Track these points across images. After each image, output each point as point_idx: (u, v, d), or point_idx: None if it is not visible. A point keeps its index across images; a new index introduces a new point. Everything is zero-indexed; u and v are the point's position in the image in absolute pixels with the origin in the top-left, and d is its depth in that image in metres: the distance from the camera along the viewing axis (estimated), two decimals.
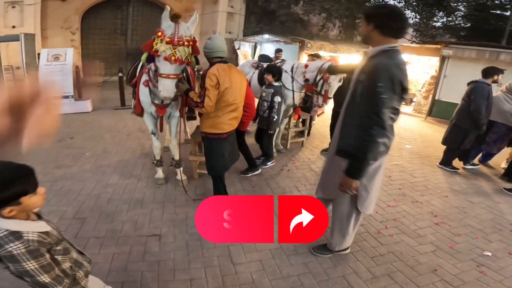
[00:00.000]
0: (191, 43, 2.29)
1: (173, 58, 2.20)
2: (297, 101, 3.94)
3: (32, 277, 1.03)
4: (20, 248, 0.99)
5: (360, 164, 1.69)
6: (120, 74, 6.56)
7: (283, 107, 3.92)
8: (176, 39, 2.19)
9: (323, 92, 3.55)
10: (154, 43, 2.24)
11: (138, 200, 2.87)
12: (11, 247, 0.99)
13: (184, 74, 2.68)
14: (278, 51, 5.59)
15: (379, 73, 1.56)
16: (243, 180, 3.46)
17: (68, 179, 3.16)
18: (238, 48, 11.07)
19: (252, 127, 4.63)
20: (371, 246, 2.49)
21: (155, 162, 3.13)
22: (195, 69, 3.05)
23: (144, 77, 2.64)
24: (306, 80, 3.68)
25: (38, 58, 6.29)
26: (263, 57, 4.47)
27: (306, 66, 3.72)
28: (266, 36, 10.45)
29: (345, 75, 3.45)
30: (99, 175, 3.31)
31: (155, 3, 10.83)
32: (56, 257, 1.11)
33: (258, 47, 11.61)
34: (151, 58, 2.44)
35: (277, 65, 3.96)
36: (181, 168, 3.14)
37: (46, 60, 6.10)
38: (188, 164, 3.46)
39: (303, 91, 3.88)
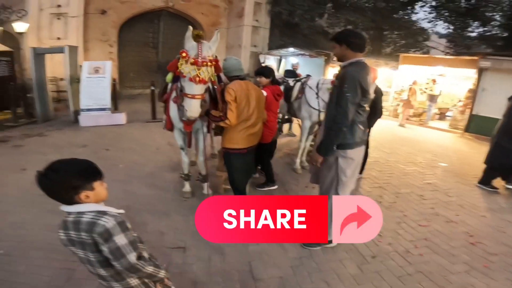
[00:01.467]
0: (213, 63, 2.38)
1: (197, 79, 2.29)
2: (322, 118, 3.88)
3: (123, 257, 1.08)
4: (111, 220, 1.08)
5: (327, 144, 2.19)
6: (152, 88, 6.82)
7: (307, 124, 3.90)
8: (200, 60, 2.28)
9: None
10: (179, 63, 2.34)
11: (165, 212, 2.96)
12: (104, 221, 1.07)
13: (212, 90, 2.77)
14: (295, 64, 5.62)
15: (345, 78, 2.07)
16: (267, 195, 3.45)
17: None
18: (263, 62, 11.26)
19: None
20: (398, 265, 2.39)
21: (183, 176, 3.23)
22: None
23: (174, 94, 2.76)
24: None
25: (80, 70, 6.66)
26: (289, 73, 4.51)
27: (332, 82, 3.66)
28: (291, 49, 10.53)
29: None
30: (129, 186, 3.46)
31: (184, 17, 11.40)
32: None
33: (283, 61, 11.72)
34: (176, 78, 2.57)
35: (302, 80, 3.98)
36: (208, 183, 3.21)
37: (88, 73, 6.47)
38: (215, 179, 3.52)
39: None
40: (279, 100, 3.31)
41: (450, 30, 12.99)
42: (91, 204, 1.13)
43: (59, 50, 6.78)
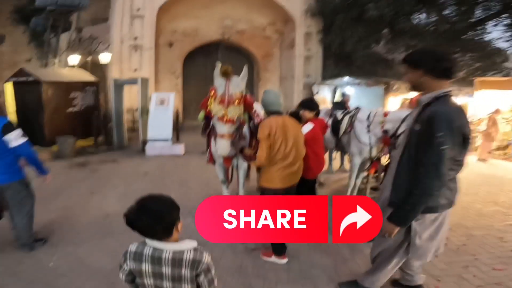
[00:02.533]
0: (242, 100, 2.34)
1: (225, 119, 2.29)
2: (374, 154, 3.59)
3: (213, 283, 1.26)
4: (208, 257, 1.25)
5: (406, 213, 1.65)
6: None
7: (357, 160, 3.63)
8: (226, 99, 2.25)
9: None
10: (208, 102, 2.37)
11: (202, 242, 2.96)
12: (206, 258, 1.23)
13: (246, 129, 2.76)
14: (344, 95, 5.32)
15: (437, 121, 1.48)
16: None
17: None
18: (317, 93, 11.08)
19: None
20: None
21: None
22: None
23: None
24: (385, 132, 3.30)
25: (150, 101, 7.21)
26: (338, 105, 4.31)
27: (385, 114, 3.36)
28: (346, 78, 10.16)
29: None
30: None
31: (240, 49, 12.11)
32: None
33: (338, 91, 11.37)
34: (208, 117, 2.61)
35: (351, 113, 3.78)
36: None
37: (155, 104, 7.03)
38: None
39: (379, 143, 3.50)
40: (324, 134, 3.18)
41: None
42: (187, 240, 1.24)
43: (134, 81, 7.53)
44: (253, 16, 11.82)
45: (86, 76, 7.59)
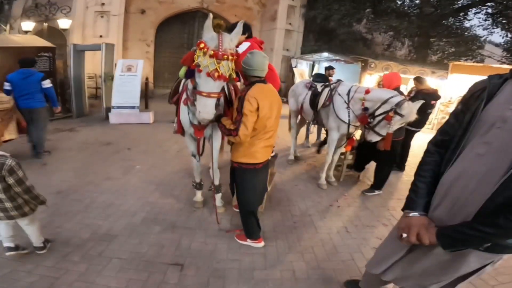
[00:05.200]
0: (235, 57, 2.05)
1: (216, 74, 1.96)
2: (352, 130, 3.43)
3: (23, 184, 1.88)
4: (13, 161, 1.82)
5: (470, 241, 1.05)
6: None
7: (335, 135, 3.48)
8: (220, 52, 1.95)
9: (379, 131, 2.99)
10: (195, 56, 2.02)
11: (171, 223, 2.75)
12: (9, 161, 1.81)
13: (226, 91, 2.46)
14: (329, 68, 5.12)
15: None
16: (285, 213, 3.11)
17: (113, 192, 3.24)
18: (295, 66, 10.89)
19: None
20: None
21: (195, 184, 3.00)
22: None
23: (185, 95, 2.49)
24: (365, 109, 3.11)
25: (115, 67, 6.76)
26: (319, 77, 3.99)
27: (367, 92, 3.12)
28: (325, 54, 10.04)
29: (413, 119, 2.88)
30: (141, 191, 3.32)
31: (218, 19, 11.42)
32: None
33: (316, 66, 11.27)
34: (190, 73, 2.25)
35: (331, 86, 3.57)
36: (220, 194, 2.95)
37: (121, 70, 6.56)
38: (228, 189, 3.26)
39: (356, 122, 3.31)
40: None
41: (508, 39, 11.62)
42: None
43: (97, 47, 6.94)
44: None
45: (39, 42, 6.77)
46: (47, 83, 4.08)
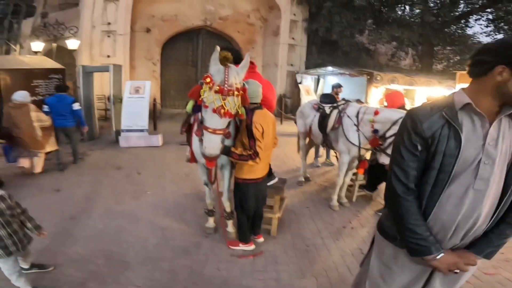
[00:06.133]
0: (241, 92, 2.06)
1: (222, 111, 1.97)
2: (363, 153, 3.41)
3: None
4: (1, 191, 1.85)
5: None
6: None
7: (346, 158, 3.46)
8: (226, 88, 1.95)
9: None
10: (201, 90, 2.04)
11: (183, 249, 2.76)
12: None
13: (232, 125, 2.46)
14: (337, 86, 4.99)
15: None
16: (296, 236, 3.08)
17: (124, 218, 3.27)
18: (300, 82, 10.93)
19: None
20: None
21: (207, 211, 3.01)
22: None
23: (196, 126, 2.52)
24: (375, 131, 3.09)
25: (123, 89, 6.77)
26: (326, 97, 3.98)
27: (376, 113, 3.12)
28: (330, 68, 10.08)
29: None
30: (153, 216, 3.34)
31: (222, 35, 11.61)
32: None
33: (321, 80, 11.29)
34: (197, 108, 2.27)
35: (340, 107, 3.58)
36: (232, 220, 2.95)
37: (129, 92, 6.58)
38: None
39: (366, 144, 3.28)
40: None
41: None
42: None
43: (105, 68, 7.02)
44: (236, 2, 11.38)
45: (49, 63, 6.97)
46: (76, 106, 4.84)
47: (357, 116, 3.28)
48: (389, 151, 2.95)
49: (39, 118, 4.14)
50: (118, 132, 6.63)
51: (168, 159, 5.60)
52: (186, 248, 2.78)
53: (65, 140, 4.91)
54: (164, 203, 3.69)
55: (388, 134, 2.95)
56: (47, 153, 4.43)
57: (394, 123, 2.90)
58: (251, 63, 2.73)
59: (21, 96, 4.05)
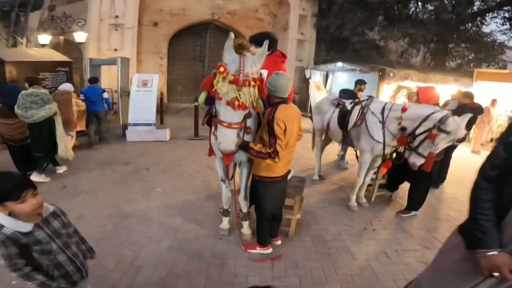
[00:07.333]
0: (258, 82, 1.87)
1: (236, 103, 1.79)
2: (387, 151, 3.19)
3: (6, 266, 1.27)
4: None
5: None
6: (196, 103, 6.64)
7: (368, 157, 3.26)
8: (241, 78, 1.76)
9: (422, 152, 2.71)
10: (215, 81, 1.86)
11: (198, 252, 2.60)
12: None
13: (254, 120, 2.30)
14: (361, 82, 4.73)
15: None
16: (316, 238, 2.91)
17: (134, 217, 3.12)
18: (309, 78, 10.72)
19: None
20: None
21: (222, 211, 2.84)
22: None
23: None
24: (403, 129, 2.87)
25: (131, 82, 6.71)
26: (346, 93, 3.77)
27: (403, 109, 2.90)
28: (340, 64, 9.83)
29: (461, 135, 2.64)
30: (164, 216, 3.18)
31: (230, 31, 11.40)
32: (33, 254, 1.31)
33: (330, 76, 11.05)
34: (210, 100, 2.10)
35: (362, 103, 3.37)
36: (248, 221, 2.78)
37: (137, 86, 6.45)
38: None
39: (393, 142, 3.07)
40: None
41: None
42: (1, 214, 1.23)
43: (113, 61, 6.92)
44: None
45: (57, 56, 6.87)
46: (105, 95, 5.90)
47: (382, 113, 3.08)
48: (421, 150, 2.73)
49: (77, 104, 5.06)
50: (125, 126, 6.51)
51: (176, 155, 5.45)
52: (201, 251, 2.62)
53: (95, 122, 5.85)
54: (175, 202, 3.53)
55: (418, 132, 2.73)
56: (77, 132, 5.27)
57: (425, 119, 2.69)
58: (283, 55, 2.57)
59: (65, 87, 5.09)
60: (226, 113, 1.88)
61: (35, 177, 3.76)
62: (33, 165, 3.95)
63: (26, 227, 1.26)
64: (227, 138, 1.92)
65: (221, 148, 1.99)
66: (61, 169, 4.26)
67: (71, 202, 3.38)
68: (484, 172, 1.23)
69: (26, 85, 3.90)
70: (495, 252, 1.15)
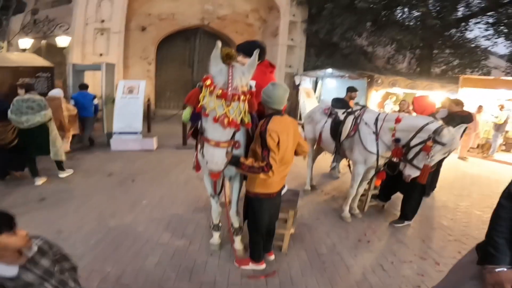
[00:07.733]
0: (248, 96, 1.73)
1: (226, 120, 1.64)
2: (381, 163, 3.14)
3: None
4: None
5: None
6: (182, 111, 6.52)
7: (361, 169, 3.20)
8: (229, 92, 1.62)
9: (418, 164, 2.65)
10: (201, 95, 1.71)
11: (188, 269, 2.46)
12: None
13: (242, 132, 2.13)
14: (352, 90, 4.66)
15: None
16: (310, 252, 2.82)
17: (120, 232, 2.95)
18: (299, 84, 10.73)
19: None
20: None
21: (212, 226, 2.71)
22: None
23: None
24: (397, 141, 2.81)
25: (116, 88, 6.48)
26: (338, 102, 3.70)
27: (397, 120, 2.84)
28: (329, 70, 9.88)
29: (457, 147, 2.64)
30: (151, 230, 3.02)
31: (219, 36, 11.20)
32: None
33: (320, 82, 11.12)
34: (196, 116, 1.94)
35: (355, 113, 3.32)
36: (240, 236, 2.66)
37: (122, 92, 6.22)
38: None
39: (387, 153, 3.02)
40: None
41: None
42: None
43: (97, 67, 6.66)
44: (235, 1, 11.09)
45: (38, 61, 6.60)
46: (95, 101, 6.07)
47: (375, 124, 3.01)
48: (416, 162, 2.68)
49: (68, 109, 5.18)
50: (109, 135, 6.26)
51: (164, 165, 5.27)
52: (191, 268, 2.48)
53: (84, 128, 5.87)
54: (163, 215, 3.37)
55: (412, 143, 2.68)
56: (73, 136, 5.51)
57: (419, 130, 2.65)
58: (271, 65, 2.48)
59: (55, 92, 5.18)
60: (214, 131, 1.73)
61: (60, 174, 4.32)
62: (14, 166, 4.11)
63: (9, 270, 1.09)
64: (215, 158, 1.77)
65: (209, 168, 1.85)
66: (40, 181, 4.03)
67: (50, 215, 3.19)
68: (508, 191, 1.26)
69: (22, 91, 3.96)
70: (504, 269, 1.16)
